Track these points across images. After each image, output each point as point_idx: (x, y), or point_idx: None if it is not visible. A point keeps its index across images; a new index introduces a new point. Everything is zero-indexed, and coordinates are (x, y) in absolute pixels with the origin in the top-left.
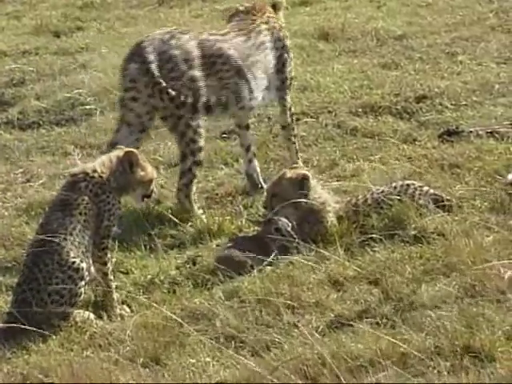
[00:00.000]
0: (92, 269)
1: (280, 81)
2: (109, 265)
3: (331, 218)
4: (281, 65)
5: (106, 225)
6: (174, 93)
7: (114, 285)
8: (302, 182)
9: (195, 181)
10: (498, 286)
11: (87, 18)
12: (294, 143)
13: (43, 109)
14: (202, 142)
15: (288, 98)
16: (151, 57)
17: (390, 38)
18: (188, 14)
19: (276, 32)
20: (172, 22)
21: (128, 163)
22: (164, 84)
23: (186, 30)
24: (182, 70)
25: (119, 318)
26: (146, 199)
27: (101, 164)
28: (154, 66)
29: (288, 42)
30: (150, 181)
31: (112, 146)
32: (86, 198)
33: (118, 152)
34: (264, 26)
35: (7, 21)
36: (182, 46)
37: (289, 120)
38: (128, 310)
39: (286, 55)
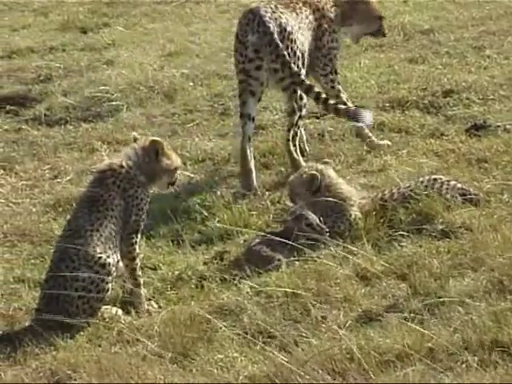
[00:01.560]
0: (120, 264)
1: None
2: (137, 260)
3: (355, 213)
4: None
5: (134, 220)
6: (296, 68)
7: (142, 280)
8: (311, 182)
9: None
10: None
11: (114, 14)
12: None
13: (70, 105)
14: (306, 99)
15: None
16: (272, 26)
17: (416, 33)
18: (215, 9)
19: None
20: (199, 18)
21: (154, 152)
22: (288, 58)
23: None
24: (291, 39)
25: (147, 314)
26: (171, 186)
27: (127, 158)
28: (276, 37)
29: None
30: (176, 169)
31: (247, 118)
32: (114, 193)
33: (143, 142)
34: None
35: (34, 17)
36: (281, 15)
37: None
38: (155, 305)
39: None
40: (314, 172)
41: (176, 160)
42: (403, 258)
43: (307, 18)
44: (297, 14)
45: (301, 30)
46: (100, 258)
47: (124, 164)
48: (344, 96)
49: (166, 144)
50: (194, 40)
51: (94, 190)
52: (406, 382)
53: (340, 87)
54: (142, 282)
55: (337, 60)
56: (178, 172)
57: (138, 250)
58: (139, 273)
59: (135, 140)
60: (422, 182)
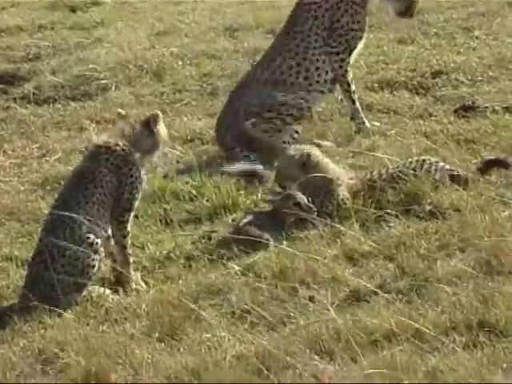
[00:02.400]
0: (112, 241)
1: None
2: (127, 239)
3: (343, 193)
4: None
5: (126, 198)
6: None
7: (131, 259)
8: (304, 162)
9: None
10: None
11: None
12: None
13: (59, 84)
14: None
15: None
16: None
17: None
18: None
19: None
20: None
21: (153, 124)
22: None
23: None
24: None
25: (135, 293)
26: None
27: (121, 134)
28: None
29: None
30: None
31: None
32: (105, 170)
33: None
34: None
35: None
36: None
37: None
38: (144, 284)
39: None
40: (307, 151)
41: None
42: (391, 239)
43: None
44: None
45: None
46: (88, 237)
47: (120, 142)
48: None
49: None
50: (183, 19)
51: (85, 165)
52: (393, 362)
53: None
54: (131, 261)
55: None
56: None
57: (129, 229)
58: (129, 251)
59: (121, 116)
60: (410, 162)
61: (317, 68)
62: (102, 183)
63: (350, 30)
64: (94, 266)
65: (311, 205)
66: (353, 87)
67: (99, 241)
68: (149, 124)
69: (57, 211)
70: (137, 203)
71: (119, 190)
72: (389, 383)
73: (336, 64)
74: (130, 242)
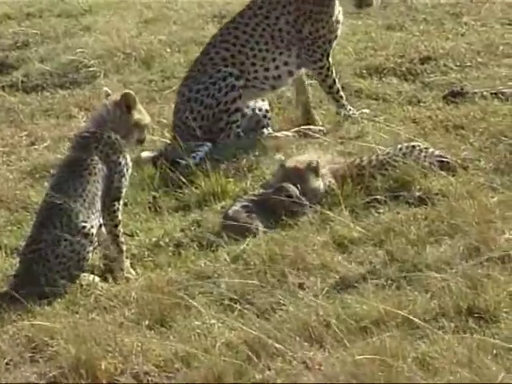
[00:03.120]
0: (102, 229)
1: None
2: (120, 227)
3: (329, 179)
4: None
5: (116, 186)
6: None
7: (124, 247)
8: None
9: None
10: (503, 247)
11: None
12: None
13: (47, 71)
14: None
15: None
16: None
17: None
18: None
19: None
20: None
21: (126, 105)
22: None
23: None
24: None
25: (125, 281)
26: (139, 144)
27: (102, 120)
28: None
29: None
30: (146, 125)
31: None
32: (96, 158)
33: (114, 97)
34: None
35: None
36: None
37: None
38: (134, 272)
39: None
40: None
41: (147, 116)
42: (380, 225)
43: None
44: None
45: None
46: (84, 227)
47: (105, 129)
48: None
49: (136, 98)
50: (171, 6)
51: (77, 154)
52: (382, 349)
53: None
54: (124, 249)
55: None
56: (147, 130)
57: (120, 217)
58: (122, 239)
59: (107, 95)
60: (400, 149)
61: (253, 63)
62: (95, 171)
63: (318, 38)
64: (88, 259)
65: (302, 197)
66: (336, 87)
67: (94, 231)
68: (121, 105)
69: (53, 199)
70: (125, 191)
71: (109, 179)
72: (378, 369)
73: (316, 71)
74: (122, 230)
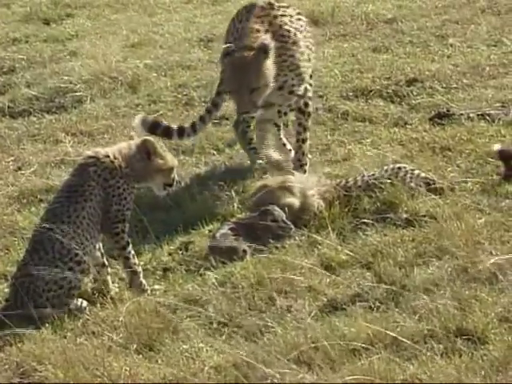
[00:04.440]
0: (98, 254)
1: None
2: (128, 249)
3: (317, 201)
4: None
5: (116, 209)
6: None
7: (139, 268)
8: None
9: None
10: (490, 269)
11: (77, 4)
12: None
13: (34, 96)
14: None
15: None
16: None
17: (380, 22)
18: None
19: None
20: (162, 8)
21: (145, 151)
22: None
23: None
24: None
25: (112, 305)
26: (168, 188)
27: (117, 150)
28: None
29: None
30: (170, 169)
31: None
32: (94, 183)
33: (137, 140)
34: None
35: None
36: None
37: None
38: (157, 286)
39: None
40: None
41: (171, 160)
42: (368, 247)
43: None
44: None
45: None
46: (76, 254)
47: (110, 153)
48: None
49: (159, 144)
50: (157, 31)
51: (74, 179)
52: (371, 371)
53: None
54: (139, 270)
55: None
56: (174, 173)
57: (126, 239)
58: (133, 261)
59: (130, 138)
60: (386, 170)
61: None
62: (92, 196)
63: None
64: (79, 287)
65: (288, 222)
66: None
67: (87, 258)
68: (142, 150)
69: (46, 225)
70: (129, 214)
71: (107, 202)
72: None
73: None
74: (132, 252)
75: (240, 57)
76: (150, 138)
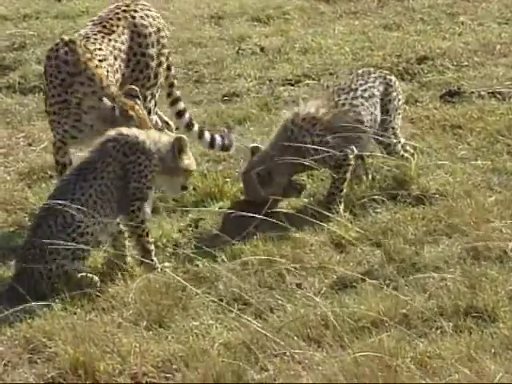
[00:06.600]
0: (111, 229)
1: None
2: (143, 226)
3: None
4: None
5: (134, 186)
6: None
7: (152, 246)
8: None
9: None
10: (501, 246)
11: None
12: None
13: None
14: None
15: None
16: None
17: None
18: None
19: None
20: None
21: (178, 148)
22: None
23: None
24: None
25: (123, 282)
26: (183, 190)
27: (147, 134)
28: None
29: None
30: (191, 172)
31: None
32: (110, 159)
33: (170, 134)
34: None
35: None
36: None
37: None
38: (168, 264)
39: None
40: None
41: (194, 163)
42: (378, 225)
43: None
44: None
45: None
46: (79, 226)
47: (137, 133)
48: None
49: (188, 144)
50: (168, 7)
51: (89, 156)
52: (380, 348)
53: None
54: (151, 248)
55: None
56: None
57: (141, 218)
58: (147, 239)
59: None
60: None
61: None
62: (103, 174)
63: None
64: (83, 258)
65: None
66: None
67: (90, 230)
68: (174, 145)
69: (49, 201)
70: (150, 192)
71: (125, 179)
72: (377, 369)
73: None
74: (146, 230)
75: None
76: (185, 136)
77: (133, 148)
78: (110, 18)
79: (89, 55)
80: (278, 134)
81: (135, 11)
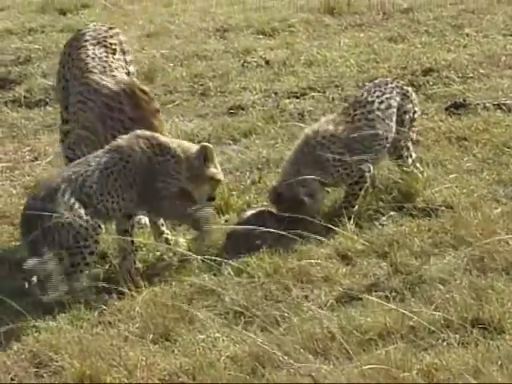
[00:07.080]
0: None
1: None
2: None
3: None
4: None
5: (160, 186)
6: None
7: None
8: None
9: None
10: (507, 258)
11: None
12: None
13: (50, 87)
14: None
15: None
16: None
17: (396, 12)
18: None
19: None
20: (179, 0)
21: (203, 156)
22: None
23: None
24: None
25: (129, 295)
26: (210, 201)
27: (177, 141)
28: None
29: None
30: (218, 182)
31: None
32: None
33: (197, 144)
34: None
35: None
36: None
37: None
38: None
39: None
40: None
41: (221, 173)
42: (384, 237)
43: None
44: None
45: None
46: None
47: (167, 138)
48: None
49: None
50: (173, 21)
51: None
52: (387, 360)
53: None
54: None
55: None
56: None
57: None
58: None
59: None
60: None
61: None
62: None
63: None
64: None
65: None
66: None
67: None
68: (199, 157)
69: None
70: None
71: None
72: (384, 381)
73: None
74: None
75: None
76: (210, 145)
77: (163, 150)
78: None
79: None
80: (300, 150)
81: None
